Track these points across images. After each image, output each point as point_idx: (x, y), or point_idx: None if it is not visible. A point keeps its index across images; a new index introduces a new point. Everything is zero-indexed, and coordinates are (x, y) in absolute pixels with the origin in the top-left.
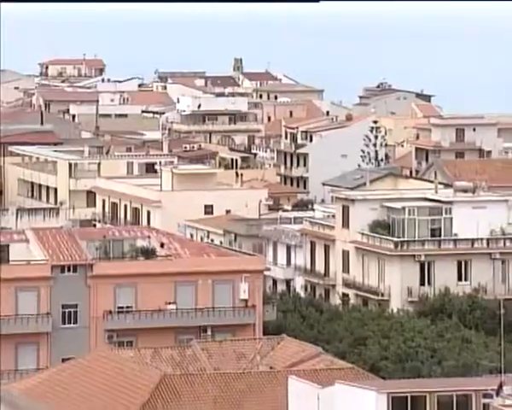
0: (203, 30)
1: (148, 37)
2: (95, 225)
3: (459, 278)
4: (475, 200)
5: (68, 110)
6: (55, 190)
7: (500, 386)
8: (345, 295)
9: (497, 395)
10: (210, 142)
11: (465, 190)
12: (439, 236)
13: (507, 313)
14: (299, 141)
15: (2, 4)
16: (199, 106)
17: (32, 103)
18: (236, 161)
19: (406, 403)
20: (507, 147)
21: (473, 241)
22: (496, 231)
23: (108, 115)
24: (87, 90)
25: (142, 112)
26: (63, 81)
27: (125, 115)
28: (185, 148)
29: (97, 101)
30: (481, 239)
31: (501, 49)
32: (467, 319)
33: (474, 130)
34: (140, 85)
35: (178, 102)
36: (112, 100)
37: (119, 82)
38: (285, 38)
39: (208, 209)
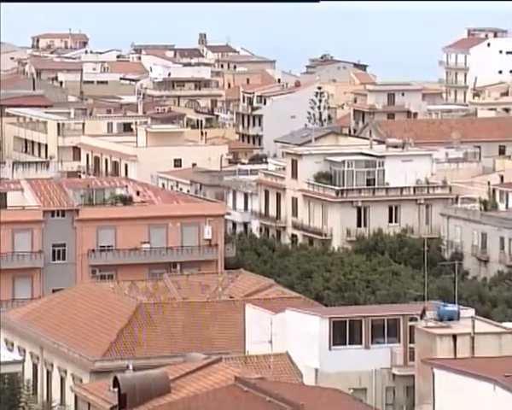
0: (173, 8)
1: (126, 14)
2: (80, 176)
3: (390, 221)
4: (404, 154)
5: (57, 77)
6: (46, 146)
7: (424, 311)
8: (293, 236)
9: (421, 318)
10: (178, 105)
11: (395, 146)
12: (374, 185)
13: (430, 250)
14: (255, 104)
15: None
16: (169, 74)
17: (25, 72)
18: (201, 121)
19: (345, 326)
20: (430, 109)
21: (402, 189)
22: (421, 181)
23: (91, 82)
24: (72, 60)
25: (120, 79)
26: (52, 52)
27: (106, 82)
28: (157, 110)
29: (81, 69)
30: (409, 187)
31: (426, 25)
32: (396, 255)
33: (403, 94)
34: (118, 56)
35: (151, 70)
36: (94, 69)
37: (100, 53)
38: (244, 16)
39: (177, 163)
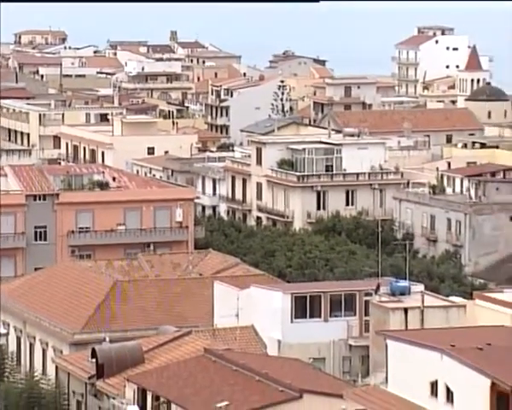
0: (147, 7)
1: (102, 12)
2: (60, 163)
3: (347, 204)
4: (359, 142)
5: (38, 71)
6: (28, 135)
7: (378, 287)
8: (258, 218)
9: (376, 293)
10: (151, 97)
11: (352, 135)
12: (332, 171)
13: (383, 231)
14: (222, 96)
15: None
16: (142, 68)
17: (8, 66)
18: (172, 112)
19: (305, 301)
20: (384, 101)
21: (357, 175)
22: (375, 167)
23: (70, 76)
24: (52, 55)
25: (97, 73)
26: (33, 48)
27: (83, 76)
28: (132, 102)
29: (61, 64)
30: (364, 173)
31: (380, 24)
32: (353, 236)
33: (359, 87)
34: (95, 52)
35: (126, 65)
36: (72, 63)
37: (78, 49)
38: (213, 15)
39: (150, 150)
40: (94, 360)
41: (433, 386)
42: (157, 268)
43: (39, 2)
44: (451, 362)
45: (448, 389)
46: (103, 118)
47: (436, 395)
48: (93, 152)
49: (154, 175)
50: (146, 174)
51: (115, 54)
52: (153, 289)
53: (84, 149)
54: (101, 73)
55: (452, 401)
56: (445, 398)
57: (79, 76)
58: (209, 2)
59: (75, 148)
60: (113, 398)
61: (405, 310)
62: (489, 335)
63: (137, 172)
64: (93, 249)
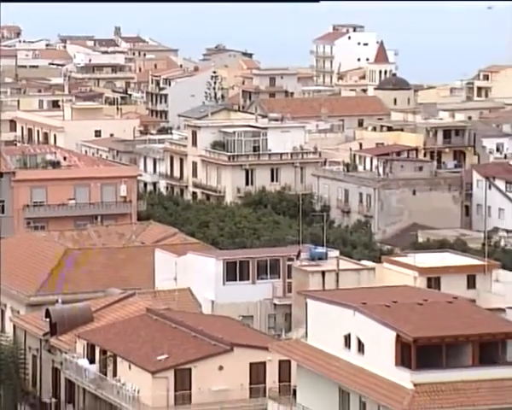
0: (93, 6)
1: (53, 9)
2: (16, 145)
3: (272, 180)
4: (283, 126)
5: None
6: None
7: (299, 253)
8: (194, 193)
9: (297, 258)
10: (98, 86)
11: (276, 119)
12: (258, 151)
13: (304, 204)
14: (162, 85)
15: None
16: (89, 60)
17: None
18: (117, 99)
19: (235, 266)
20: (304, 89)
21: (281, 154)
22: (296, 148)
23: (24, 66)
24: (8, 48)
25: (49, 64)
26: None
27: (37, 66)
28: (80, 90)
29: (16, 56)
30: (287, 153)
31: (300, 20)
32: (277, 208)
33: (282, 78)
34: (47, 45)
35: (75, 57)
36: (26, 55)
37: (32, 42)
38: (153, 12)
39: (97, 133)
40: (48, 319)
41: (347, 339)
42: (104, 238)
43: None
44: (362, 318)
45: (359, 341)
46: (55, 104)
47: (349, 347)
48: (46, 135)
49: (100, 155)
50: (93, 154)
51: (65, 47)
52: (100, 257)
53: (38, 131)
54: (53, 64)
55: (363, 352)
56: (356, 349)
57: (33, 67)
58: (151, 3)
59: (30, 131)
60: (65, 353)
61: (323, 273)
62: (395, 294)
63: (86, 152)
64: (46, 221)
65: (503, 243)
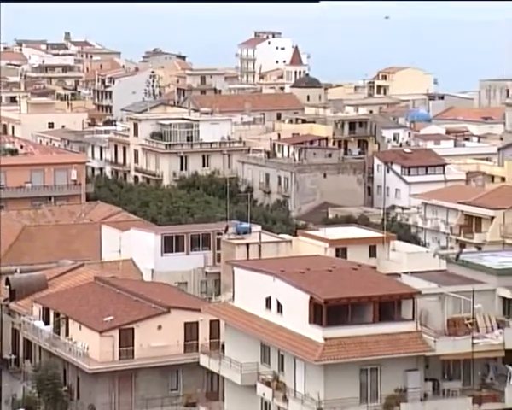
0: (48, 11)
1: (10, 15)
2: None
3: (203, 165)
4: (212, 119)
5: None
6: None
7: (226, 228)
8: (135, 177)
9: (225, 233)
10: (51, 84)
11: (206, 113)
12: (191, 140)
13: (231, 186)
14: (107, 83)
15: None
16: (43, 61)
17: None
18: (67, 95)
19: (172, 239)
20: (230, 87)
21: (211, 143)
22: (224, 138)
23: None
24: None
25: (7, 64)
26: None
27: None
28: (35, 87)
29: None
30: (216, 142)
31: (226, 26)
32: (208, 190)
33: (211, 77)
34: (5, 48)
35: (30, 58)
36: None
37: None
38: (99, 19)
39: (50, 125)
40: (8, 286)
41: (268, 301)
42: (57, 216)
43: None
44: (281, 283)
45: (278, 303)
46: (12, 100)
47: (270, 308)
48: (5, 126)
49: (53, 144)
50: (47, 143)
51: (21, 50)
52: (54, 232)
53: None
54: (10, 64)
55: (282, 312)
56: (276, 310)
57: None
58: (100, 2)
59: None
60: (23, 316)
61: (247, 245)
62: (308, 262)
63: (40, 141)
64: (6, 202)
65: (399, 218)
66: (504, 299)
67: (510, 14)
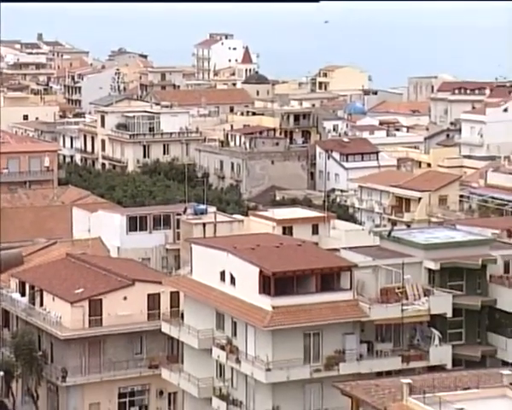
0: (20, 12)
1: None
2: None
3: (164, 153)
4: (172, 111)
5: None
6: None
7: (185, 209)
8: (103, 164)
9: (184, 213)
10: (25, 80)
11: (166, 106)
12: (153, 131)
13: (189, 171)
14: (76, 79)
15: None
16: (18, 59)
17: None
18: (41, 90)
19: (136, 219)
20: (188, 83)
21: (171, 133)
22: (183, 128)
23: None
24: None
25: None
26: None
27: None
28: (11, 83)
29: None
30: (176, 132)
31: (183, 27)
32: (168, 175)
33: (171, 74)
34: None
35: (5, 57)
36: None
37: None
38: (70, 22)
39: (25, 117)
40: None
41: (222, 274)
42: (32, 199)
43: None
44: (234, 258)
45: (232, 276)
46: None
47: (224, 280)
48: None
49: (28, 134)
50: (22, 134)
51: None
52: (29, 214)
53: None
54: None
55: (235, 284)
56: (229, 282)
57: None
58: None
59: None
60: (1, 288)
61: (204, 224)
62: (258, 239)
63: (16, 132)
64: None
65: (338, 200)
66: (430, 270)
67: (446, 20)
